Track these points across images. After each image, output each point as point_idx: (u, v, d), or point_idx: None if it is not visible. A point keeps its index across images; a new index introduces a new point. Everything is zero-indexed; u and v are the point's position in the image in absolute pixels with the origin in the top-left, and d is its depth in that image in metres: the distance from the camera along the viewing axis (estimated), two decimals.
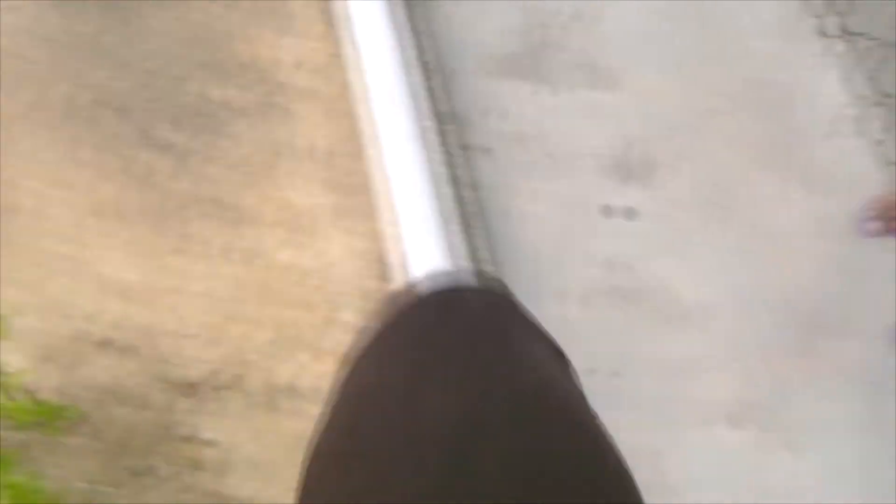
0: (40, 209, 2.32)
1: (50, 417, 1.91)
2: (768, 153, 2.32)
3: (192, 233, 2.34)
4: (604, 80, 2.34)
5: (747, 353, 2.19)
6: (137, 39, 2.51)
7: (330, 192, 2.37)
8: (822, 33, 2.48)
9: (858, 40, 2.47)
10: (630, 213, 2.25)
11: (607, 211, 2.26)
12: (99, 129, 2.41)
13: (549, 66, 2.35)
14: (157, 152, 2.41)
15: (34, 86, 2.45)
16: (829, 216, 2.30)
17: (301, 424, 2.17)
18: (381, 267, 2.30)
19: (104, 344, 2.22)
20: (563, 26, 2.39)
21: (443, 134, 2.33)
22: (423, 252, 2.22)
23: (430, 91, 2.36)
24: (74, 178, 2.36)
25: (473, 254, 2.24)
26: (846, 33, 2.48)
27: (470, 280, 0.96)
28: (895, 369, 2.19)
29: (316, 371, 2.22)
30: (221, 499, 2.12)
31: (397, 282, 2.26)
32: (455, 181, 2.29)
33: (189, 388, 2.19)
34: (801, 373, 2.17)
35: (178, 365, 2.20)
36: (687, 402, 2.14)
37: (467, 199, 2.27)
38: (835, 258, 2.27)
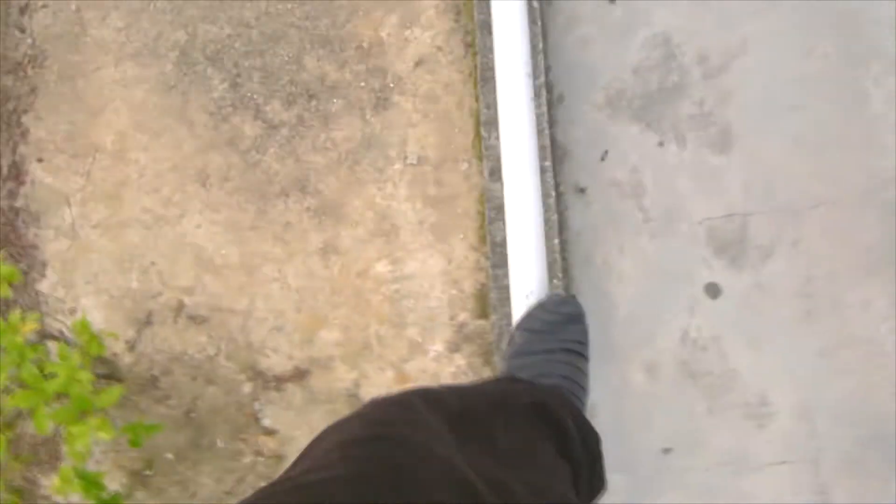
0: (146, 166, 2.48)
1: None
2: (876, 259, 2.06)
3: (292, 223, 2.44)
4: (717, 140, 2.14)
5: (802, 458, 2.04)
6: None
7: (432, 209, 2.37)
8: None
9: None
10: (713, 290, 2.11)
11: (690, 281, 2.13)
12: (208, 90, 2.51)
13: (661, 112, 2.18)
14: (266, 129, 2.49)
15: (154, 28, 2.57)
16: None
17: None
18: (476, 302, 2.30)
19: (194, 317, 2.40)
20: (684, 69, 2.18)
21: (555, 172, 2.24)
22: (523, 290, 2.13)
23: (551, 123, 2.26)
24: (182, 139, 2.49)
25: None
26: None
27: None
28: None
29: (382, 384, 2.30)
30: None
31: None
32: (560, 225, 2.21)
33: (258, 375, 2.35)
34: (856, 494, 2.01)
35: (257, 352, 2.35)
36: (729, 494, 2.05)
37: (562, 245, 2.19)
38: None
